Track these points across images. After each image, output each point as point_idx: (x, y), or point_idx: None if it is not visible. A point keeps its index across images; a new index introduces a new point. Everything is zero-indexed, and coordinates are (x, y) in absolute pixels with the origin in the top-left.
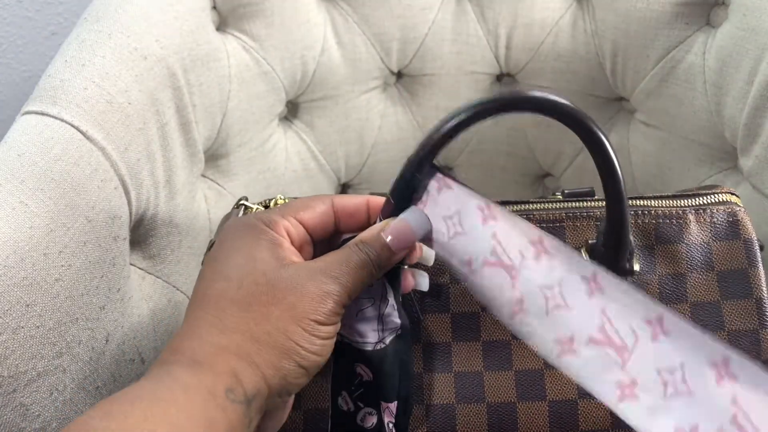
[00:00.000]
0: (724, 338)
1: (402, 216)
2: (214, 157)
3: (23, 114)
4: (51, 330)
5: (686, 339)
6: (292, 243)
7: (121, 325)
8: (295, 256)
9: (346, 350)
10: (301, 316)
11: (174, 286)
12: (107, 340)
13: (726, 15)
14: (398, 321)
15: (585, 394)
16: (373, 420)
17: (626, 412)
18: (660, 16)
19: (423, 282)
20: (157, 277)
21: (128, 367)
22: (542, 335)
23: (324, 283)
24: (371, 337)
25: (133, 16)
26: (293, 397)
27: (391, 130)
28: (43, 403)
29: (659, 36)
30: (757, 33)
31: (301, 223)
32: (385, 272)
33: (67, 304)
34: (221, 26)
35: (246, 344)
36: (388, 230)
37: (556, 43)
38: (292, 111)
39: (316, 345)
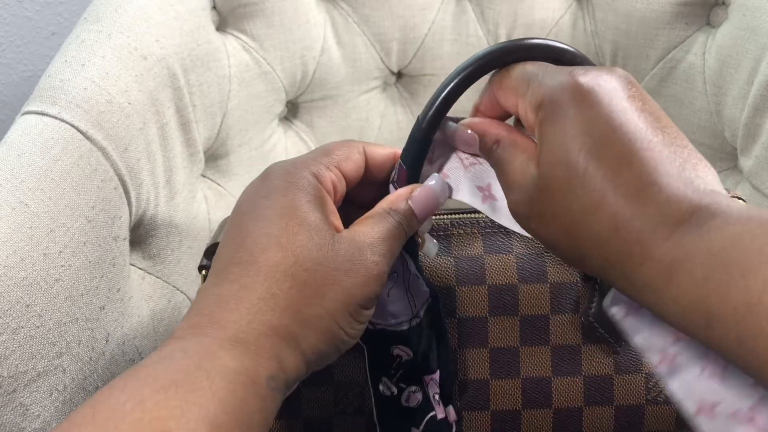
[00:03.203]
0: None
1: (427, 183)
2: (214, 157)
3: (23, 114)
4: (51, 330)
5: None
6: (334, 199)
7: (121, 325)
8: (337, 219)
9: (379, 337)
10: (353, 301)
11: (174, 287)
12: (107, 340)
13: (726, 15)
14: (426, 289)
15: (591, 403)
16: (418, 397)
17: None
18: (660, 16)
19: (432, 247)
20: (157, 278)
21: (128, 367)
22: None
23: (375, 264)
24: (405, 314)
25: (133, 16)
26: None
27: (391, 130)
28: (43, 403)
29: (659, 36)
30: (757, 33)
31: (343, 176)
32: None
33: (67, 304)
34: (221, 26)
35: (294, 326)
36: (414, 197)
37: None
38: (292, 111)
39: (356, 329)
